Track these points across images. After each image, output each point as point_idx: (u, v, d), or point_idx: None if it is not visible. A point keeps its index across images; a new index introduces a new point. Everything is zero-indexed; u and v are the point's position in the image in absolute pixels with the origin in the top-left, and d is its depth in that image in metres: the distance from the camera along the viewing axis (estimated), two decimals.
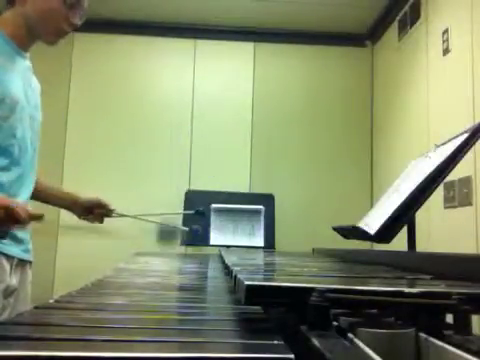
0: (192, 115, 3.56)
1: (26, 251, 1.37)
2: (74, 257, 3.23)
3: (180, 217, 2.91)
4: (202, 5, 3.38)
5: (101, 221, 1.68)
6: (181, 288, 1.06)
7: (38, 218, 1.16)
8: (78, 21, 1.34)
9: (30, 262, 1.41)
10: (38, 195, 1.50)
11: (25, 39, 1.33)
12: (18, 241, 1.32)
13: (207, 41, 3.64)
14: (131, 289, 0.96)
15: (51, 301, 0.75)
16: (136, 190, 3.40)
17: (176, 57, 3.63)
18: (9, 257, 1.28)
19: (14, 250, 1.30)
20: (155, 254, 2.03)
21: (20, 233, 1.32)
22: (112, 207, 1.68)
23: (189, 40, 3.62)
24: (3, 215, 1.09)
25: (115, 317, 0.67)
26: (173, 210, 3.11)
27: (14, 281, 1.32)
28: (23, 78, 1.33)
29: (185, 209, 3.15)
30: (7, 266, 1.27)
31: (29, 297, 1.42)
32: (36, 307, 0.70)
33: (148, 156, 3.49)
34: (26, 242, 1.37)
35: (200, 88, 3.59)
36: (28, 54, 1.38)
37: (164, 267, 1.58)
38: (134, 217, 1.78)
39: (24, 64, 1.35)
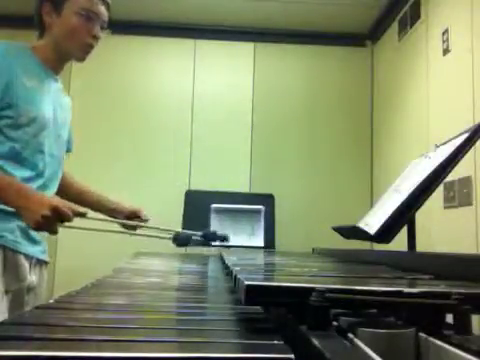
0: (192, 115, 3.55)
1: (43, 252, 1.45)
2: (74, 257, 3.23)
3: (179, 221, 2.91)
4: (202, 5, 3.38)
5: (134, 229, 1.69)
6: (181, 288, 1.06)
7: (82, 215, 1.26)
8: (99, 33, 1.44)
9: (46, 262, 1.50)
10: (75, 196, 1.65)
11: (56, 62, 1.47)
12: (35, 242, 1.40)
13: (207, 41, 3.64)
14: (131, 289, 0.96)
15: (51, 301, 0.75)
16: (136, 190, 3.40)
17: (176, 57, 3.63)
18: (28, 256, 1.37)
19: (32, 250, 1.38)
20: (155, 254, 2.03)
21: (34, 234, 1.38)
22: (145, 217, 1.70)
23: (189, 40, 3.62)
24: (52, 215, 1.16)
25: (115, 317, 0.67)
26: (173, 211, 3.11)
27: (34, 279, 1.41)
28: (53, 99, 1.45)
29: (185, 209, 3.15)
30: (27, 265, 1.36)
31: (43, 296, 1.49)
32: (36, 307, 0.70)
33: (148, 156, 3.49)
34: (42, 243, 1.44)
35: (200, 88, 3.59)
36: (59, 77, 1.52)
37: (164, 267, 1.58)
38: (155, 236, 1.67)
39: (55, 86, 1.49)
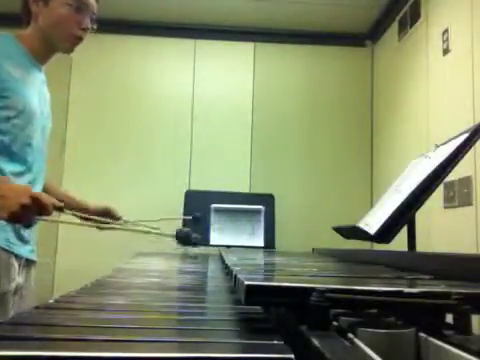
0: (192, 115, 3.55)
1: (32, 251, 1.42)
2: (74, 257, 3.23)
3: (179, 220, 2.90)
4: (202, 5, 3.38)
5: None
6: (181, 288, 1.06)
7: (60, 209, 1.20)
8: (89, 25, 1.41)
9: (34, 262, 1.46)
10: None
11: (42, 53, 1.41)
12: (25, 241, 1.37)
13: (207, 41, 3.64)
14: (131, 289, 0.96)
15: (51, 301, 0.75)
16: (136, 190, 3.40)
17: (176, 57, 3.63)
18: (18, 257, 1.34)
19: (22, 250, 1.35)
20: (155, 254, 2.03)
21: (26, 233, 1.36)
22: (120, 215, 1.67)
23: (189, 40, 3.62)
24: (31, 203, 1.11)
25: (115, 317, 0.67)
26: (173, 211, 3.11)
27: (21, 280, 1.38)
28: (39, 90, 1.41)
29: (185, 209, 3.15)
30: (16, 265, 1.33)
31: (34, 294, 1.47)
32: (36, 307, 0.70)
33: (148, 156, 3.49)
34: (32, 242, 1.42)
35: (200, 88, 3.59)
36: (44, 68, 1.46)
37: (164, 267, 1.58)
38: (132, 229, 1.66)
39: (40, 77, 1.44)
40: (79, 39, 1.40)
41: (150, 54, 3.62)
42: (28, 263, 1.41)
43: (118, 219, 1.67)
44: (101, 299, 0.83)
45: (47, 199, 1.14)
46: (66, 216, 1.43)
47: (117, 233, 1.58)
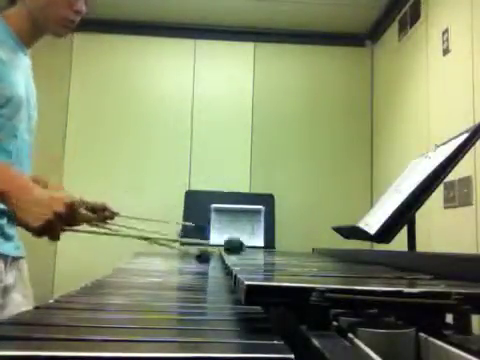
0: (192, 115, 3.56)
1: (17, 248, 1.34)
2: (74, 257, 3.23)
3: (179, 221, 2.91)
4: (202, 5, 3.38)
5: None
6: (181, 288, 1.06)
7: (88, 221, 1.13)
8: (83, 7, 1.27)
9: (22, 258, 1.38)
10: None
11: (29, 35, 1.29)
12: (8, 238, 1.29)
13: (207, 41, 3.64)
14: (131, 289, 0.96)
15: (51, 301, 0.75)
16: (136, 190, 3.40)
17: (176, 57, 3.63)
18: (3, 256, 1.25)
19: (6, 248, 1.27)
20: (155, 254, 2.03)
21: (8, 230, 1.28)
22: (115, 210, 1.59)
23: (189, 40, 3.62)
24: (64, 213, 0.98)
25: (115, 317, 0.67)
26: (173, 210, 3.11)
27: (11, 280, 1.31)
28: (25, 76, 1.30)
29: (185, 209, 3.15)
30: (2, 265, 1.25)
31: (30, 291, 1.40)
32: (36, 307, 0.70)
33: (148, 156, 3.49)
34: (15, 239, 1.33)
35: (200, 88, 3.59)
36: (29, 51, 1.34)
37: (164, 267, 1.58)
38: (126, 235, 1.61)
39: (25, 61, 1.32)
40: (71, 22, 1.27)
41: (150, 54, 3.62)
42: (15, 260, 1.33)
43: (116, 214, 1.59)
44: (101, 299, 0.83)
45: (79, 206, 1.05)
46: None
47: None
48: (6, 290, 1.29)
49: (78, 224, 1.08)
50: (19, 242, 1.37)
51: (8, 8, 1.28)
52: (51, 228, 0.97)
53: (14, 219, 0.98)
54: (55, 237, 1.01)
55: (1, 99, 1.18)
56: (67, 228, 1.04)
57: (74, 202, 1.00)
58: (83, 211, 1.07)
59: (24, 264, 1.40)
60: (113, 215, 1.59)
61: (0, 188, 0.98)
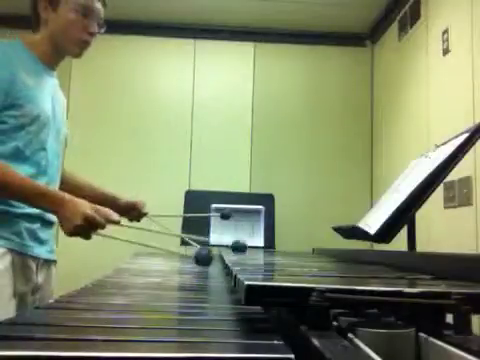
0: (192, 115, 3.55)
1: (50, 251, 1.45)
2: (74, 257, 3.23)
3: (180, 220, 2.91)
4: (202, 5, 3.38)
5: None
6: (181, 288, 1.06)
7: (116, 223, 1.23)
8: (96, 29, 1.45)
9: (54, 261, 1.49)
10: (73, 191, 1.52)
11: (52, 58, 1.45)
12: (42, 242, 1.40)
13: (207, 41, 3.64)
14: (131, 289, 0.96)
15: (51, 301, 0.75)
16: (136, 190, 3.39)
17: (176, 57, 3.63)
18: (35, 258, 1.36)
19: (38, 251, 1.38)
20: (155, 254, 2.03)
21: (44, 234, 1.39)
22: (146, 210, 1.72)
23: (189, 40, 3.62)
24: (85, 224, 1.15)
25: (115, 317, 0.67)
26: (172, 210, 3.11)
27: (40, 280, 1.41)
28: (52, 95, 1.45)
29: (185, 209, 3.15)
30: (34, 266, 1.36)
31: (52, 293, 1.49)
32: (36, 307, 0.70)
33: (148, 156, 3.49)
34: (50, 243, 1.44)
35: (200, 88, 3.59)
36: (55, 72, 1.50)
37: (164, 267, 1.58)
38: (159, 231, 1.60)
39: (52, 81, 1.47)
40: (86, 43, 1.45)
41: (150, 54, 3.62)
42: (47, 263, 1.44)
43: (144, 215, 1.71)
44: (101, 299, 0.83)
45: (101, 215, 1.17)
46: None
47: (118, 232, 1.57)
48: (36, 289, 1.40)
49: (104, 228, 1.20)
50: (53, 246, 1.48)
51: (33, 33, 1.42)
52: (79, 234, 1.17)
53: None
54: (86, 238, 1.20)
55: (28, 119, 1.32)
56: (100, 233, 1.20)
57: (89, 215, 1.15)
58: (102, 221, 1.18)
59: (53, 268, 1.50)
60: (141, 216, 1.67)
61: (53, 209, 1.21)
